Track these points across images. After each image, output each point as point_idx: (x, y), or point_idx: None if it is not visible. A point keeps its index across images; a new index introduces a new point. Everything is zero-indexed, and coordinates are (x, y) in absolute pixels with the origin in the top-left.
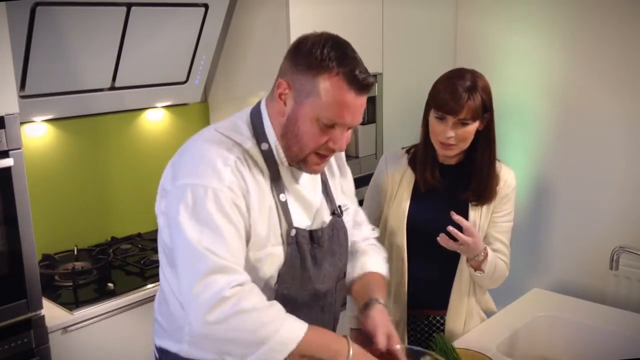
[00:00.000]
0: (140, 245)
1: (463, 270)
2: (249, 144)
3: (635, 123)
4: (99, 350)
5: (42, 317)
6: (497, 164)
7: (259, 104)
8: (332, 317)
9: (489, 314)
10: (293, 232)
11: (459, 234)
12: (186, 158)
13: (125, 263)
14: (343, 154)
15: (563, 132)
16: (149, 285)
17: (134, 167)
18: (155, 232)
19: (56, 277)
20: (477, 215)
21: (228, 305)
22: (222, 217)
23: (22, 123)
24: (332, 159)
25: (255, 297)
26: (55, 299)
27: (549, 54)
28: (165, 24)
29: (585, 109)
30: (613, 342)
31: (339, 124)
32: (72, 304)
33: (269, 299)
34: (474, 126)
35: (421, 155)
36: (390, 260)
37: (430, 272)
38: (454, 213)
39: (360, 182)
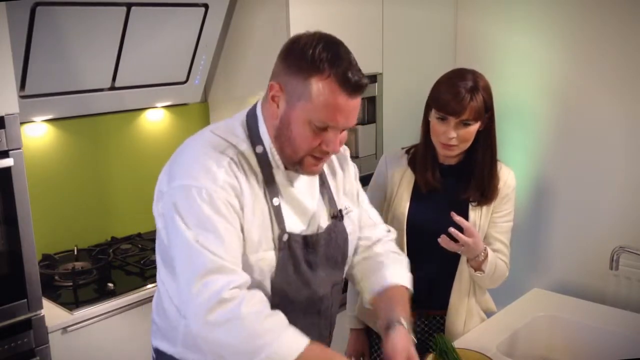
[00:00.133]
0: (140, 245)
1: (463, 270)
2: (244, 146)
3: (635, 123)
4: (99, 350)
5: (42, 317)
6: (497, 164)
7: (255, 105)
8: (328, 322)
9: (489, 314)
10: (285, 237)
11: (460, 235)
12: (181, 160)
13: (125, 263)
14: (348, 151)
15: (563, 132)
16: (149, 285)
17: (134, 167)
18: (155, 232)
19: (56, 277)
20: (477, 216)
21: (227, 307)
22: (218, 217)
23: (22, 123)
24: (334, 157)
25: (257, 304)
26: (55, 299)
27: (549, 54)
28: (165, 24)
29: (585, 109)
30: (613, 342)
31: (331, 127)
32: (72, 304)
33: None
34: (475, 126)
35: (421, 156)
36: None
37: (430, 272)
38: (454, 214)
39: (360, 182)
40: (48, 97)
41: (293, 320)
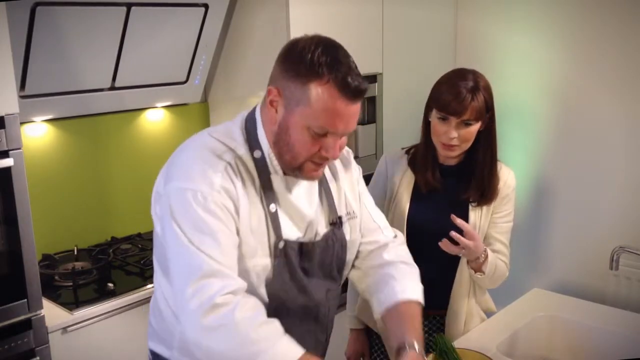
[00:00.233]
0: (140, 245)
1: (463, 270)
2: (242, 150)
3: (635, 123)
4: (99, 350)
5: (42, 317)
6: (497, 164)
7: (254, 109)
8: (325, 327)
9: (488, 314)
10: (281, 244)
11: (462, 238)
12: (178, 162)
13: (125, 263)
14: (351, 154)
15: (563, 132)
16: (149, 285)
17: (134, 167)
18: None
19: (56, 277)
20: (478, 216)
21: (221, 312)
22: (213, 219)
23: (22, 123)
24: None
25: (251, 309)
26: (55, 299)
27: (549, 54)
28: (165, 24)
29: (585, 109)
30: (613, 342)
31: (331, 133)
32: (72, 304)
33: None
34: (476, 126)
35: (422, 156)
36: None
37: (430, 272)
38: (455, 217)
39: None
40: (48, 97)
41: (289, 327)
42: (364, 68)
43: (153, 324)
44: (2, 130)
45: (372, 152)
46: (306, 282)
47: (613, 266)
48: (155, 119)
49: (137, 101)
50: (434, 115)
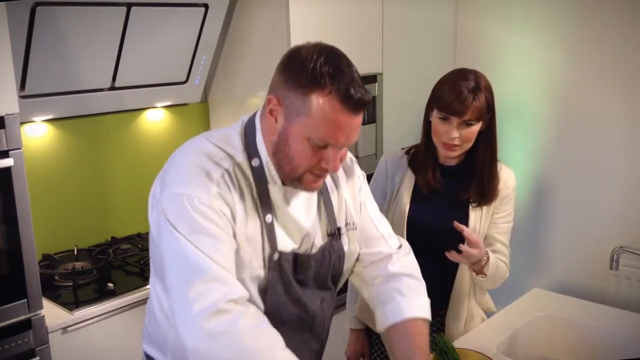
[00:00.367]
0: (140, 245)
1: (464, 271)
2: (240, 157)
3: (635, 123)
4: (99, 350)
5: (42, 317)
6: (497, 164)
7: (254, 115)
8: (320, 337)
9: (488, 314)
10: (276, 255)
11: (468, 250)
12: (175, 167)
13: (125, 263)
14: (355, 162)
15: (563, 132)
16: (149, 286)
17: (134, 167)
18: None
19: (56, 277)
20: (478, 216)
21: (224, 319)
22: (211, 224)
23: (22, 123)
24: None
25: (253, 319)
26: (55, 299)
27: (549, 54)
28: (165, 24)
29: (585, 109)
30: (613, 342)
31: (332, 145)
32: (72, 304)
33: None
34: (477, 126)
35: (422, 156)
36: None
37: (430, 272)
38: (457, 223)
39: None
40: (48, 97)
41: (284, 338)
42: (364, 68)
43: (148, 327)
44: (2, 130)
45: (372, 152)
46: (301, 293)
47: (613, 266)
48: (155, 119)
49: (137, 101)
50: (435, 115)
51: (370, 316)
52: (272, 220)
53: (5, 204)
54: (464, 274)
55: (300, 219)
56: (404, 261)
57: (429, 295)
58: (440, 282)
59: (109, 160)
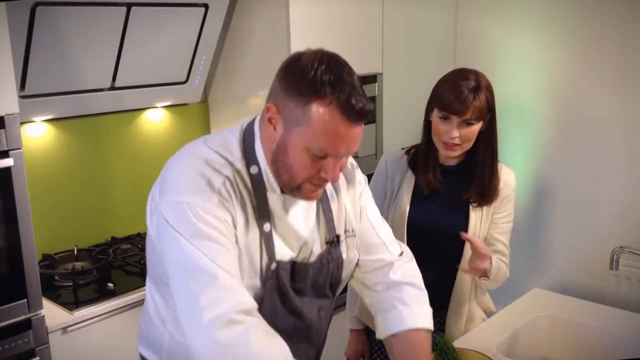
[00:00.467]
0: (140, 245)
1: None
2: (239, 164)
3: (635, 123)
4: (99, 350)
5: (42, 317)
6: (498, 164)
7: (253, 120)
8: (316, 344)
9: (488, 314)
10: (273, 265)
11: (480, 265)
12: (175, 172)
13: (125, 263)
14: (357, 168)
15: (563, 132)
16: (145, 288)
17: (134, 167)
18: None
19: (56, 277)
20: (478, 217)
21: (236, 330)
22: (213, 231)
23: (22, 123)
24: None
25: (264, 332)
26: (55, 299)
27: (549, 54)
28: (165, 24)
29: (585, 109)
30: (613, 342)
31: (331, 155)
32: (72, 304)
33: None
34: (478, 126)
35: (423, 156)
36: None
37: (430, 272)
38: (464, 234)
39: None
40: (48, 97)
41: None
42: (364, 68)
43: (143, 328)
44: (2, 130)
45: (372, 152)
46: (297, 302)
47: (613, 266)
48: (155, 119)
49: (137, 101)
50: (435, 115)
51: (371, 317)
52: (271, 229)
53: (5, 204)
54: (465, 276)
55: (299, 227)
56: (406, 269)
57: (429, 295)
58: (440, 282)
59: (109, 160)
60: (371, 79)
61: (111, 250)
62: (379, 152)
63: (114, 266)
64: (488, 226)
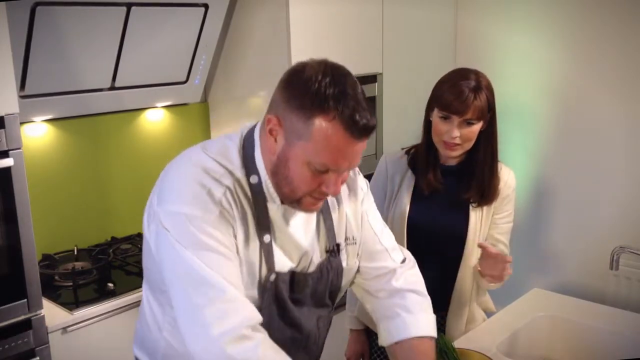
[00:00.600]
0: (140, 245)
1: (465, 272)
2: (239, 174)
3: (635, 123)
4: (99, 350)
5: (42, 317)
6: (498, 164)
7: (254, 128)
8: (314, 353)
9: (488, 314)
10: (272, 277)
11: (506, 274)
12: (173, 181)
13: (125, 263)
14: (358, 174)
15: (563, 132)
16: (142, 292)
17: (134, 167)
18: None
19: (56, 277)
20: (478, 217)
21: (246, 345)
22: (218, 244)
23: (22, 123)
24: None
25: (272, 349)
26: (55, 299)
27: (549, 54)
28: (165, 24)
29: (585, 109)
30: (613, 342)
31: (333, 170)
32: (72, 304)
33: None
34: (478, 126)
35: (423, 157)
36: None
37: (430, 272)
38: (481, 243)
39: None
40: (48, 97)
41: None
42: (364, 68)
43: (139, 331)
44: (2, 130)
45: (372, 152)
46: (296, 313)
47: (613, 266)
48: (155, 119)
49: (137, 101)
50: (436, 115)
51: (371, 317)
52: (271, 240)
53: (5, 204)
54: (465, 274)
55: (299, 237)
56: (408, 276)
57: (430, 294)
58: (440, 282)
59: (109, 160)
60: (371, 79)
61: (111, 250)
62: (379, 152)
63: (114, 266)
64: (488, 226)
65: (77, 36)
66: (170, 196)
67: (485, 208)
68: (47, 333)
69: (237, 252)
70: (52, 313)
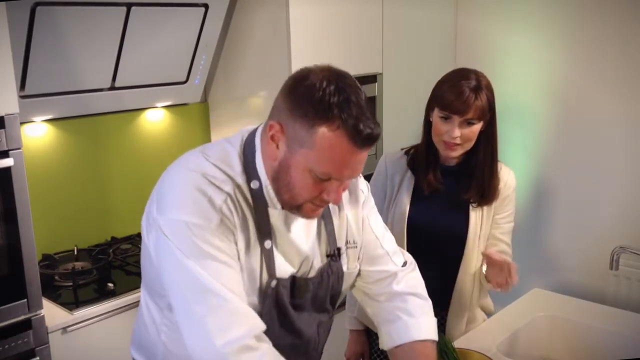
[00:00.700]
0: (140, 246)
1: (464, 271)
2: (240, 180)
3: (635, 123)
4: (99, 350)
5: (42, 317)
6: (498, 165)
7: (254, 132)
8: (313, 359)
9: (488, 314)
10: (273, 283)
11: (513, 283)
12: (173, 187)
13: (125, 263)
14: (360, 176)
15: (563, 132)
16: (140, 294)
17: (134, 167)
18: None
19: (56, 277)
20: (478, 217)
21: (252, 356)
22: (219, 252)
23: (22, 123)
24: None
25: (275, 357)
26: (55, 299)
27: (549, 54)
28: (165, 24)
29: (585, 109)
30: (613, 342)
31: (335, 178)
32: (72, 304)
33: None
34: (478, 126)
35: (423, 157)
36: None
37: (430, 272)
38: (484, 252)
39: None
40: (48, 97)
41: None
42: (364, 68)
43: (137, 333)
44: (2, 130)
45: (372, 152)
46: (296, 319)
47: (613, 266)
48: (155, 119)
49: (137, 101)
50: (436, 115)
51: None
52: (272, 246)
53: (5, 204)
54: (466, 274)
55: (300, 243)
56: (409, 279)
57: (430, 294)
58: (440, 282)
59: (109, 160)
60: (371, 79)
61: (111, 250)
62: (379, 152)
63: (114, 266)
64: (488, 226)
65: (77, 36)
66: (170, 203)
67: (485, 208)
68: (47, 333)
69: (238, 258)
70: (52, 313)
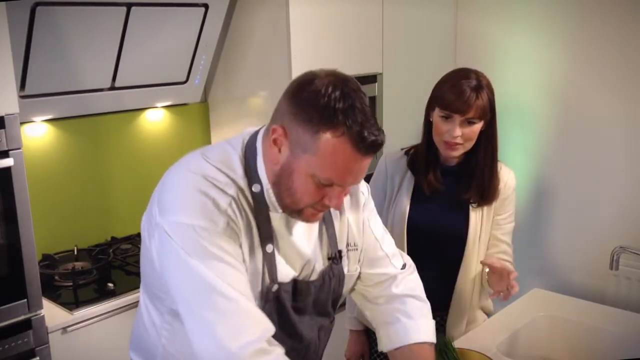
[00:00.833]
0: (140, 246)
1: (465, 271)
2: (242, 183)
3: (635, 123)
4: (99, 350)
5: (42, 317)
6: (498, 165)
7: (256, 134)
8: None
9: (488, 314)
10: (275, 287)
11: (513, 291)
12: (175, 190)
13: (125, 263)
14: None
15: (563, 132)
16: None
17: (134, 167)
18: None
19: (56, 277)
20: (478, 217)
21: (269, 359)
22: (227, 255)
23: (22, 123)
24: None
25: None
26: (55, 299)
27: (549, 54)
28: (165, 24)
29: (585, 109)
30: (613, 342)
31: (337, 185)
32: (72, 304)
33: None
34: (479, 125)
35: (423, 157)
36: None
37: (430, 272)
38: (484, 261)
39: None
40: (48, 97)
41: None
42: (364, 68)
43: (136, 335)
44: (2, 130)
45: None
46: (297, 323)
47: (613, 266)
48: (155, 119)
49: (137, 101)
50: (437, 114)
51: None
52: (273, 250)
53: (5, 203)
54: (466, 276)
55: (301, 246)
56: (408, 282)
57: (429, 296)
58: (440, 282)
59: (109, 160)
60: (371, 79)
61: (111, 250)
62: (379, 152)
63: (114, 266)
64: (489, 227)
65: (77, 36)
66: (173, 207)
67: (485, 208)
68: (47, 333)
69: (243, 261)
70: (52, 313)
